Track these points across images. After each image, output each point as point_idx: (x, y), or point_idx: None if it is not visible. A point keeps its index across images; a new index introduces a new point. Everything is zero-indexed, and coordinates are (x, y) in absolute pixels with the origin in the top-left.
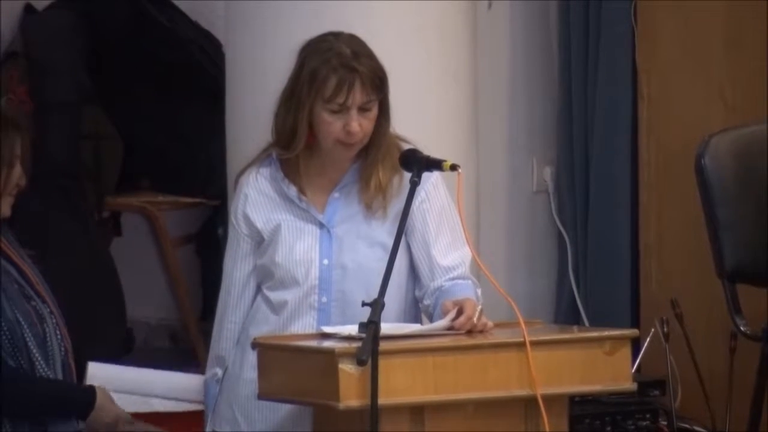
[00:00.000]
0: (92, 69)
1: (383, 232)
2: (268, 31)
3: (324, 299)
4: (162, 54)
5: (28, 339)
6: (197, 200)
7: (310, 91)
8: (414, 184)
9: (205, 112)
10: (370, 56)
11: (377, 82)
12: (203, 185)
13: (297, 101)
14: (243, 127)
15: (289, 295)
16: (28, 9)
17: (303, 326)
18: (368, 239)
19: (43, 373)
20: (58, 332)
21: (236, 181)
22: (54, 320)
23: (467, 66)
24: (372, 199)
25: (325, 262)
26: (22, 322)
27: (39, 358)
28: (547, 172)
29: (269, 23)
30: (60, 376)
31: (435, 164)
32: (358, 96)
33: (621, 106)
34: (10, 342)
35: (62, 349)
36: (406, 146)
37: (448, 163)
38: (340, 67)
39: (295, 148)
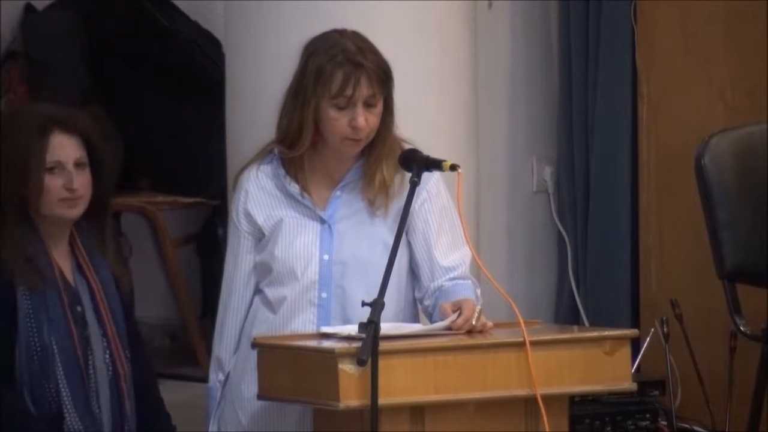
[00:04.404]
0: (92, 69)
1: (385, 229)
2: (268, 31)
3: (324, 295)
4: (162, 54)
5: (56, 364)
6: (197, 200)
7: (315, 87)
8: (414, 184)
9: (205, 112)
10: (375, 52)
11: (382, 76)
12: (203, 185)
13: (303, 99)
14: (243, 127)
15: (287, 291)
16: (28, 9)
17: (303, 322)
18: (369, 236)
19: (68, 398)
20: (107, 355)
21: (236, 179)
22: (105, 343)
23: (467, 66)
24: (375, 196)
25: (326, 257)
26: (54, 346)
27: (65, 383)
28: (547, 172)
29: (269, 23)
30: (106, 400)
31: (435, 164)
32: (364, 90)
33: (621, 106)
34: (40, 364)
35: (110, 371)
36: (408, 147)
37: (448, 163)
38: (346, 63)
39: (301, 147)
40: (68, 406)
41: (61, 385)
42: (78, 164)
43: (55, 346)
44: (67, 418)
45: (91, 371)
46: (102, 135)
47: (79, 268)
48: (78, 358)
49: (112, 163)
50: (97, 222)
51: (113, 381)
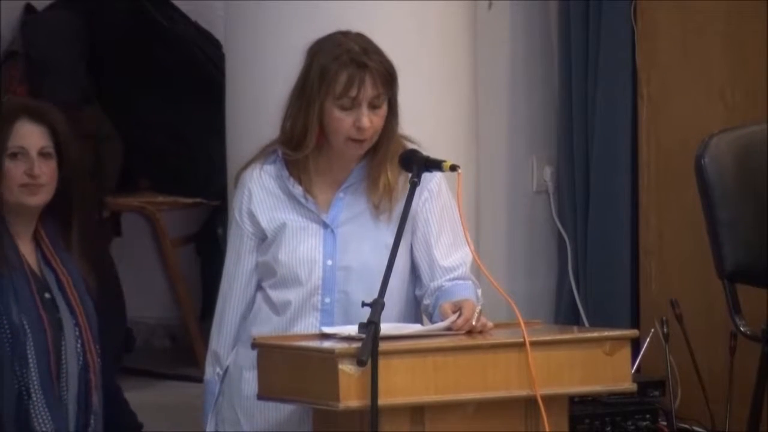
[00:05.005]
0: (92, 69)
1: (388, 232)
2: (268, 31)
3: (327, 300)
4: (162, 54)
5: (28, 346)
6: (197, 200)
7: (320, 88)
8: (413, 185)
9: (205, 112)
10: (379, 52)
11: (387, 77)
12: (203, 185)
13: (307, 99)
14: (243, 127)
15: (291, 295)
16: (28, 9)
17: (306, 327)
18: (373, 240)
19: (36, 380)
20: (79, 344)
21: (237, 177)
22: (77, 332)
23: (467, 66)
24: (380, 199)
25: (329, 262)
26: (27, 329)
27: (36, 365)
28: (547, 172)
29: (269, 23)
30: (74, 388)
31: (435, 164)
32: (368, 91)
33: (621, 106)
34: (11, 346)
35: (80, 361)
36: (411, 146)
37: (448, 163)
38: (350, 63)
39: (305, 149)
40: (36, 389)
41: (31, 366)
42: (42, 153)
43: (27, 328)
44: (34, 398)
45: (63, 357)
46: (70, 130)
47: (45, 260)
48: (48, 342)
49: (79, 158)
50: (62, 217)
51: (83, 371)
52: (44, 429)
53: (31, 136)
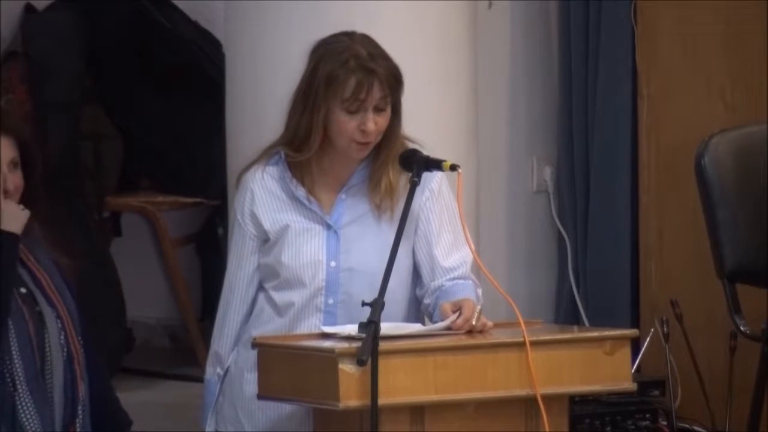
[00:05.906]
0: (92, 69)
1: (391, 233)
2: (268, 31)
3: (330, 301)
4: (162, 54)
5: (11, 339)
6: (197, 200)
7: (327, 93)
8: (414, 185)
9: (205, 112)
10: (386, 57)
11: (393, 82)
12: (203, 185)
13: (312, 103)
14: (243, 127)
15: (295, 297)
16: (28, 9)
17: (309, 328)
18: (376, 241)
19: (21, 374)
20: (62, 336)
21: (239, 178)
22: (59, 324)
23: (467, 66)
24: (382, 200)
25: (333, 264)
26: (9, 323)
27: (19, 359)
28: (547, 172)
29: (269, 23)
30: (59, 380)
31: (435, 164)
32: (376, 96)
33: (621, 106)
34: None
35: (65, 352)
36: (413, 146)
37: (448, 163)
38: (358, 69)
39: (309, 151)
40: (21, 381)
41: (15, 359)
42: (10, 164)
43: (11, 323)
44: (20, 390)
45: (47, 350)
46: (30, 131)
47: (18, 259)
48: (30, 335)
49: (41, 158)
50: (32, 216)
51: (68, 363)
52: (31, 421)
53: (2, 150)
